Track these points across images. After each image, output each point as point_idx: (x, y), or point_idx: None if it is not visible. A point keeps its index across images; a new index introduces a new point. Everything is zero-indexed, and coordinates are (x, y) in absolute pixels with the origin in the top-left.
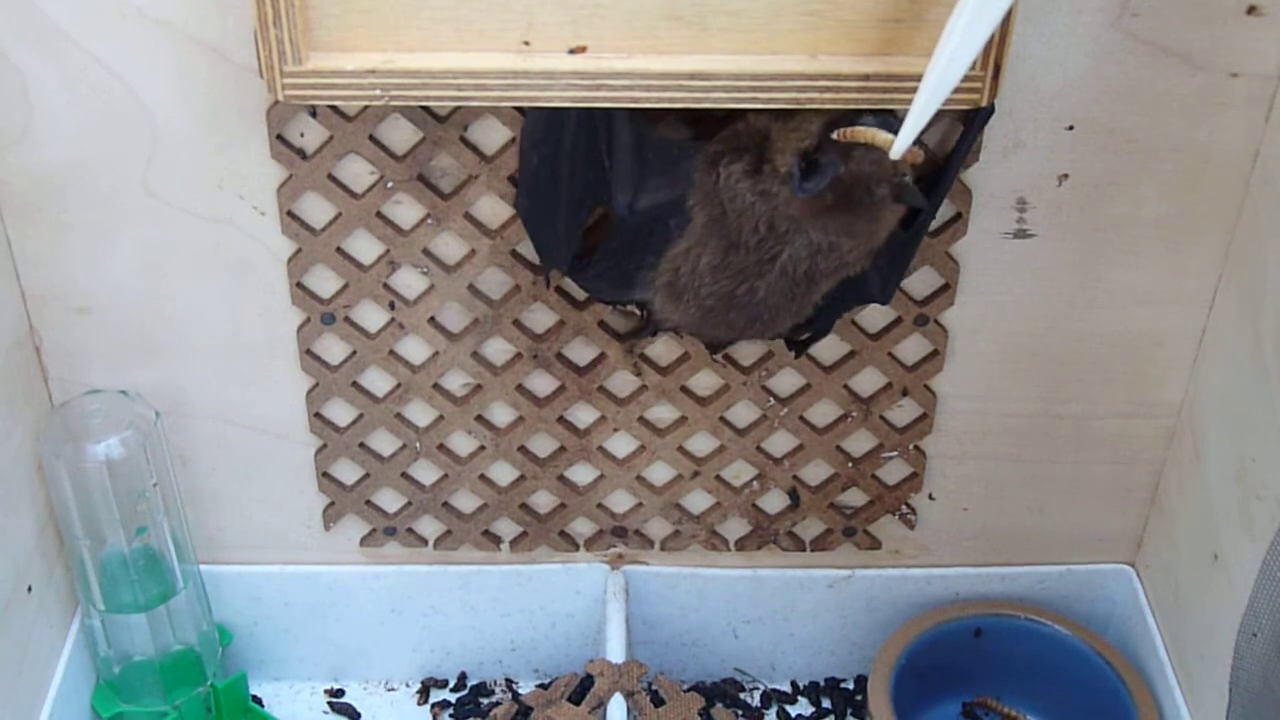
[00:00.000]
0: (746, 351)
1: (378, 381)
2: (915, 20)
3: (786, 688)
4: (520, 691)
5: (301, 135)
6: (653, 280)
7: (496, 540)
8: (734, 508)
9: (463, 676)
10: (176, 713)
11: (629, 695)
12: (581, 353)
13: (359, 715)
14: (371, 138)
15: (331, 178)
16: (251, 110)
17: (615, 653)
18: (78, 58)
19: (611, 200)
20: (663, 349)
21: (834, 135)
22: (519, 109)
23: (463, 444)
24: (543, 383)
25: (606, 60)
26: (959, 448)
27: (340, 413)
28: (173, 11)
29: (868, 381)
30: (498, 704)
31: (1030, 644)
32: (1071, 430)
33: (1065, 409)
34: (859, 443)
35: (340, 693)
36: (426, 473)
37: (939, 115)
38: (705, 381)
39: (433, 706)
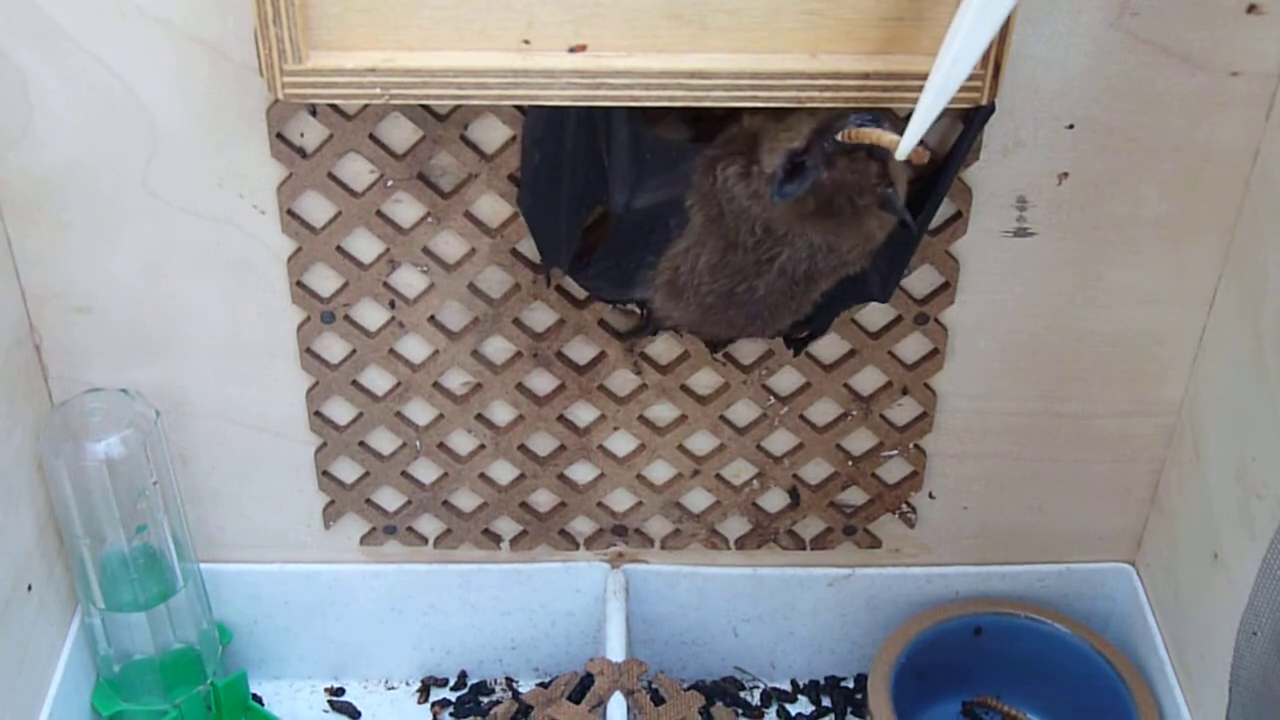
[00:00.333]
0: (746, 350)
1: (378, 380)
2: (915, 19)
3: (786, 686)
4: (520, 690)
5: (301, 135)
6: (652, 279)
7: (496, 539)
8: (734, 506)
9: (463, 675)
10: (176, 711)
11: (629, 694)
12: (581, 351)
13: (359, 714)
14: (371, 136)
15: (331, 176)
16: (251, 109)
17: (615, 651)
18: (78, 57)
19: (609, 199)
20: (663, 348)
21: (839, 136)
22: (519, 108)
23: (463, 443)
24: (543, 381)
25: (606, 59)
26: (959, 446)
27: (340, 411)
28: (173, 10)
29: (868, 380)
30: (498, 703)
31: (1030, 643)
32: (1072, 429)
33: (1065, 407)
34: (859, 441)
35: (340, 691)
36: (426, 471)
37: (943, 116)
38: (705, 380)
39: (433, 705)
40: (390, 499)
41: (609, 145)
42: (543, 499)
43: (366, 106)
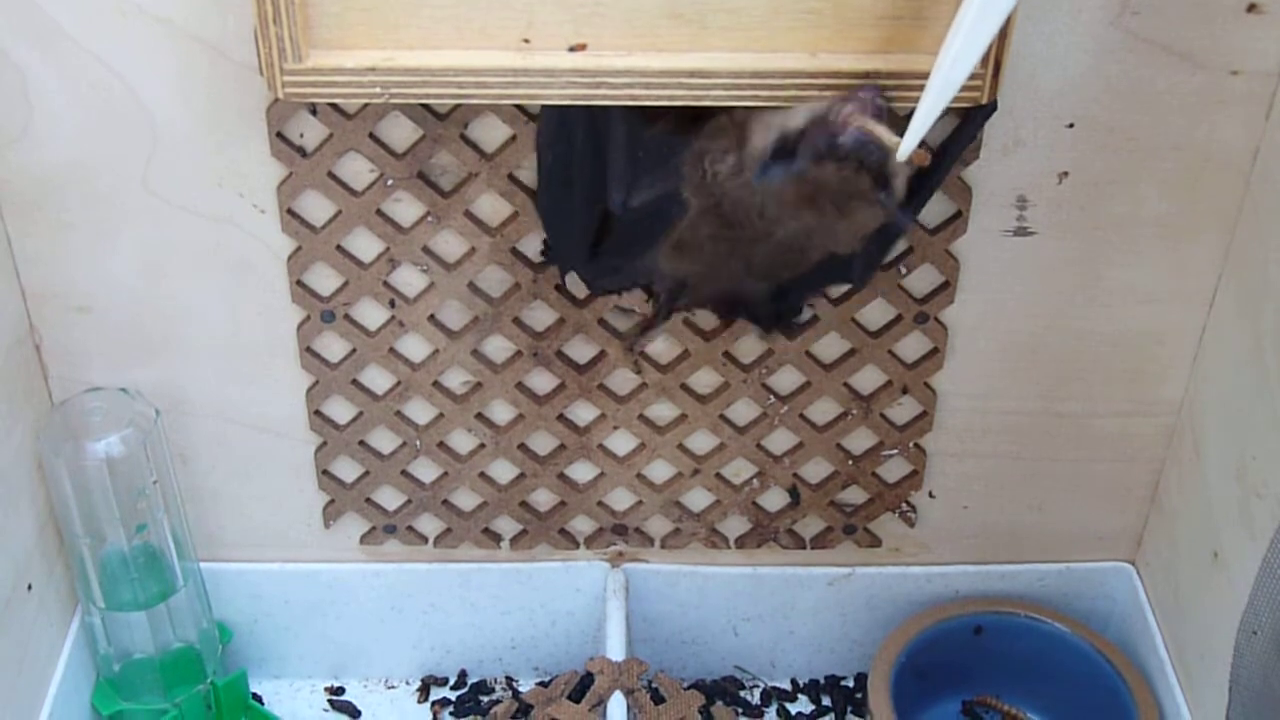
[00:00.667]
0: (747, 349)
1: (378, 379)
2: (915, 17)
3: (786, 685)
4: (520, 689)
5: (301, 135)
6: (655, 258)
7: (496, 538)
8: (734, 505)
9: (463, 674)
10: (176, 710)
11: (629, 693)
12: (581, 350)
13: (359, 713)
14: (371, 135)
15: (331, 175)
16: (251, 108)
17: (615, 650)
18: (78, 56)
19: (607, 198)
20: (663, 347)
21: (841, 118)
22: (521, 108)
23: (463, 442)
24: (543, 380)
25: (606, 58)
26: (959, 445)
27: (340, 410)
28: (173, 10)
29: (868, 379)
30: (498, 702)
31: (1030, 642)
32: (1072, 428)
33: (1065, 407)
34: (859, 440)
35: (340, 690)
36: (426, 470)
37: (944, 114)
38: (705, 379)
39: (433, 704)
40: (390, 498)
41: (607, 145)
42: (543, 498)
43: (366, 105)
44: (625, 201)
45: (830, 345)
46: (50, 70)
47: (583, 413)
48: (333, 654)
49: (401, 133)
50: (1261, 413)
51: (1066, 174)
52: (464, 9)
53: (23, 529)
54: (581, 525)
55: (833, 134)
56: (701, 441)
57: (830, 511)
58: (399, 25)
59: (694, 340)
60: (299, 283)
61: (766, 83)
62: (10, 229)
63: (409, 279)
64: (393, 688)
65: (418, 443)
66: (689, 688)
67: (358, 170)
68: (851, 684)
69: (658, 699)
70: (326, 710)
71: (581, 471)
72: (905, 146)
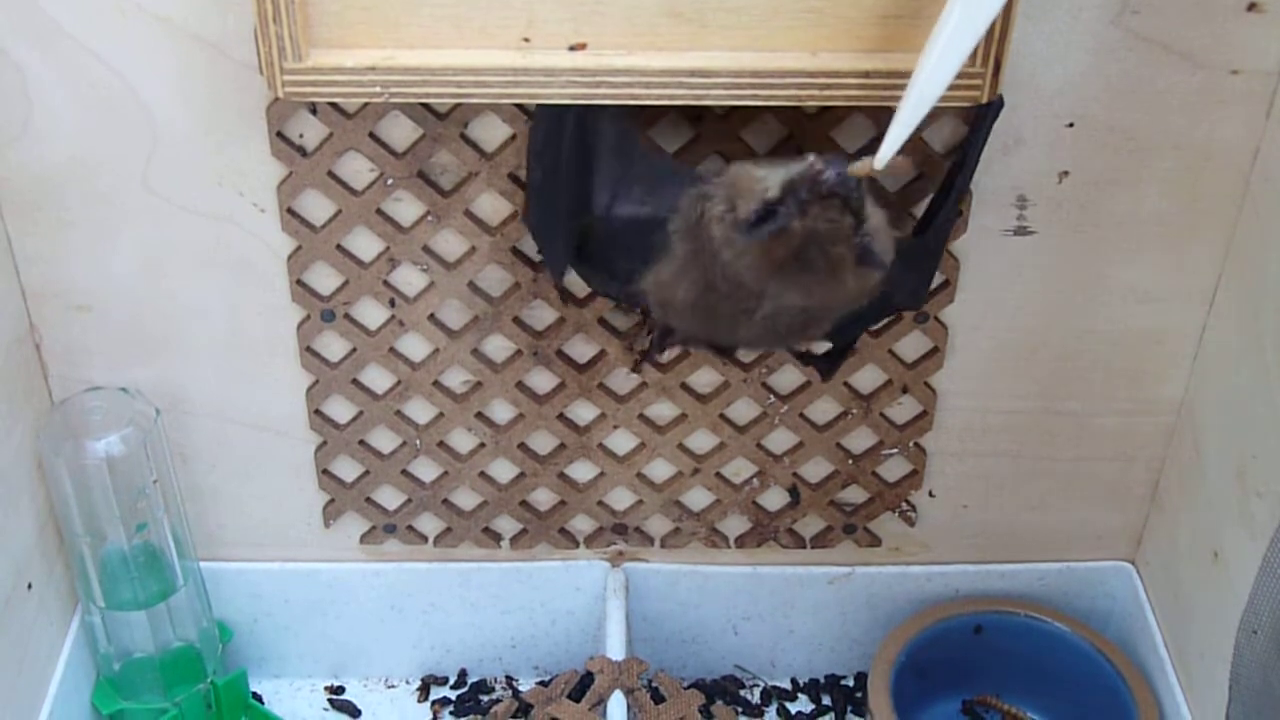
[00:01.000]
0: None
1: (378, 379)
2: (914, 17)
3: (787, 685)
4: (520, 689)
5: (301, 136)
6: (644, 291)
7: (497, 537)
8: (734, 505)
9: (463, 673)
10: (177, 710)
11: (629, 692)
12: (581, 350)
13: (359, 712)
14: (371, 135)
15: (331, 175)
16: (251, 107)
17: (615, 650)
18: (77, 55)
19: (592, 200)
20: None
21: (814, 170)
22: (520, 108)
23: (463, 441)
24: (543, 380)
25: (606, 57)
26: (959, 445)
27: (340, 410)
28: (172, 8)
29: (868, 379)
30: (498, 701)
31: (1030, 641)
32: (1072, 427)
33: (1065, 406)
34: (859, 440)
35: (340, 690)
36: (427, 470)
37: (944, 115)
38: (705, 379)
39: (433, 704)
40: (390, 497)
41: (596, 149)
42: (543, 497)
43: (366, 105)
44: (610, 207)
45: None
46: (50, 69)
47: (583, 412)
48: (333, 653)
49: (401, 132)
50: (1261, 412)
51: (1067, 173)
52: (464, 8)
53: (23, 528)
54: (581, 524)
55: (814, 178)
56: (701, 441)
57: (830, 511)
58: (399, 24)
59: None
60: (299, 282)
61: (766, 81)
62: (10, 228)
63: (409, 278)
64: (393, 687)
65: (418, 442)
66: (689, 687)
67: (358, 169)
68: (851, 683)
69: (658, 698)
70: (326, 709)
71: (581, 471)
72: (882, 155)
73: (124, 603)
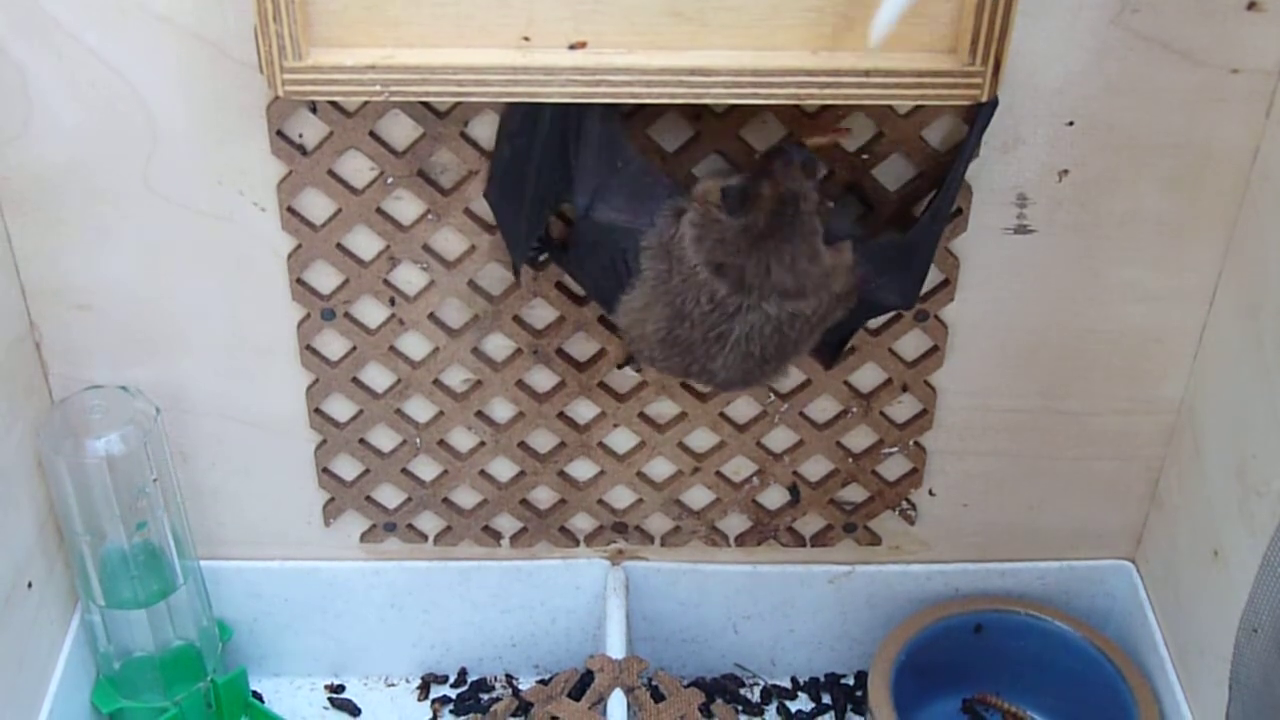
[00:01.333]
0: None
1: (378, 377)
2: (915, 16)
3: (787, 683)
4: (520, 687)
5: (300, 135)
6: (617, 314)
7: (497, 536)
8: (734, 503)
9: (463, 672)
10: (177, 708)
11: (629, 691)
12: (581, 348)
13: (359, 711)
14: (371, 133)
15: (331, 174)
16: (251, 106)
17: (615, 648)
18: (78, 54)
19: (572, 197)
20: None
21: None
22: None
23: (463, 440)
24: (543, 378)
25: (606, 56)
26: (959, 443)
27: (340, 408)
28: (173, 7)
29: (868, 377)
30: (498, 699)
31: (1030, 640)
32: (1071, 426)
33: (1065, 405)
34: (859, 438)
35: (340, 688)
36: (427, 468)
37: (940, 112)
38: None
39: (433, 702)
40: (390, 496)
41: (577, 143)
42: (543, 496)
43: (366, 103)
44: (589, 207)
45: None
46: (50, 68)
47: (583, 410)
48: (333, 652)
49: (401, 130)
50: (1261, 410)
51: (1066, 172)
52: (464, 6)
53: (23, 527)
54: (581, 523)
55: (780, 151)
56: (701, 439)
57: (830, 509)
58: (399, 23)
59: None
60: (299, 281)
61: (766, 80)
62: (10, 226)
63: (409, 277)
64: (393, 685)
65: (418, 441)
66: (689, 685)
67: (358, 168)
68: (852, 682)
69: (658, 697)
70: (326, 708)
71: (581, 469)
72: (876, 28)
73: (124, 601)
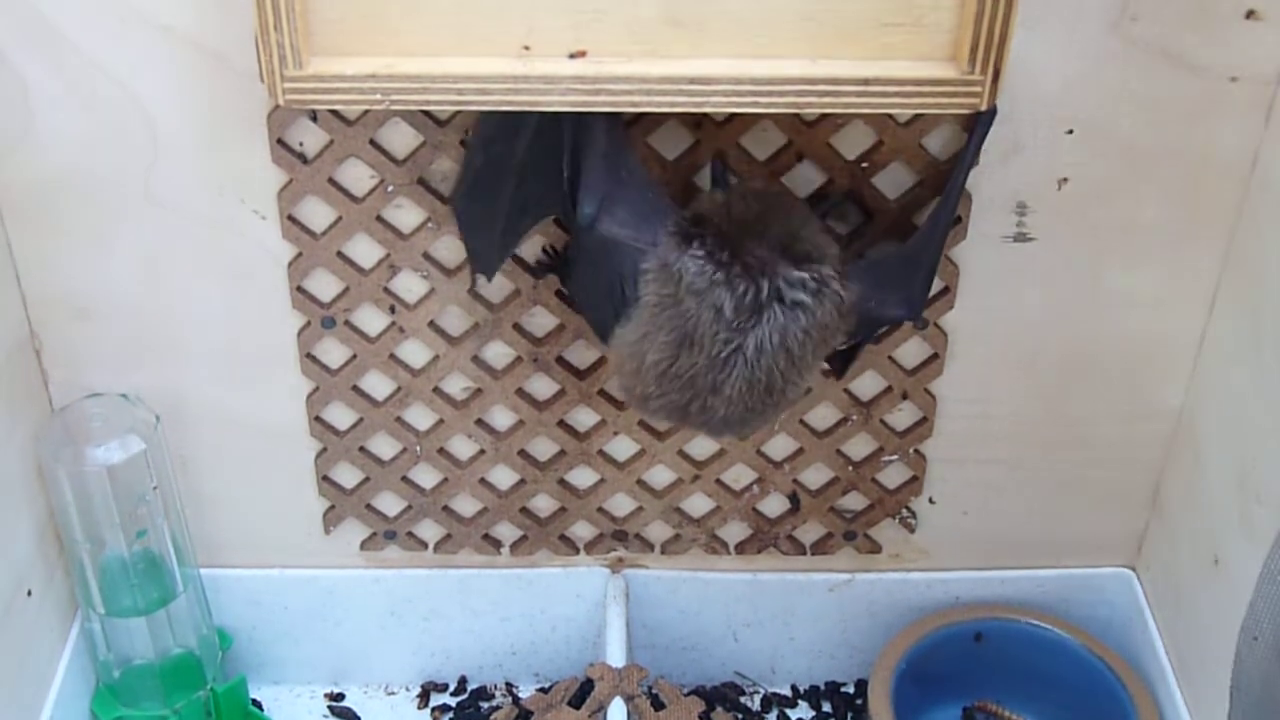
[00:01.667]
0: None
1: (378, 385)
2: (915, 24)
3: (787, 691)
4: (520, 695)
5: (301, 144)
6: (611, 347)
7: (497, 544)
8: (734, 511)
9: (463, 680)
10: (176, 717)
11: (629, 699)
12: (582, 356)
13: (359, 719)
14: (372, 142)
15: (332, 182)
16: (252, 115)
17: (615, 656)
18: (79, 63)
19: (575, 207)
20: None
21: None
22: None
23: (463, 447)
24: (543, 386)
25: (607, 65)
26: (959, 451)
27: (340, 416)
28: (174, 17)
29: (868, 385)
30: (498, 708)
31: (1031, 648)
32: (1072, 433)
33: (1065, 412)
34: (859, 446)
35: (340, 696)
36: (427, 476)
37: (940, 121)
38: None
39: (433, 710)
40: (390, 504)
41: (582, 152)
42: (543, 504)
43: (367, 112)
44: (595, 217)
45: None
46: (51, 77)
47: (583, 418)
48: (332, 660)
49: (402, 139)
50: (1261, 417)
51: (1066, 180)
52: (464, 16)
53: (22, 534)
54: (582, 531)
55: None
56: (701, 447)
57: (830, 517)
58: (399, 31)
59: None
60: (299, 289)
61: (766, 89)
62: (11, 234)
63: (409, 285)
64: (393, 694)
65: (418, 448)
66: (689, 694)
67: (358, 176)
68: (852, 690)
69: (658, 705)
70: (326, 716)
71: (582, 477)
72: None
73: (124, 609)
